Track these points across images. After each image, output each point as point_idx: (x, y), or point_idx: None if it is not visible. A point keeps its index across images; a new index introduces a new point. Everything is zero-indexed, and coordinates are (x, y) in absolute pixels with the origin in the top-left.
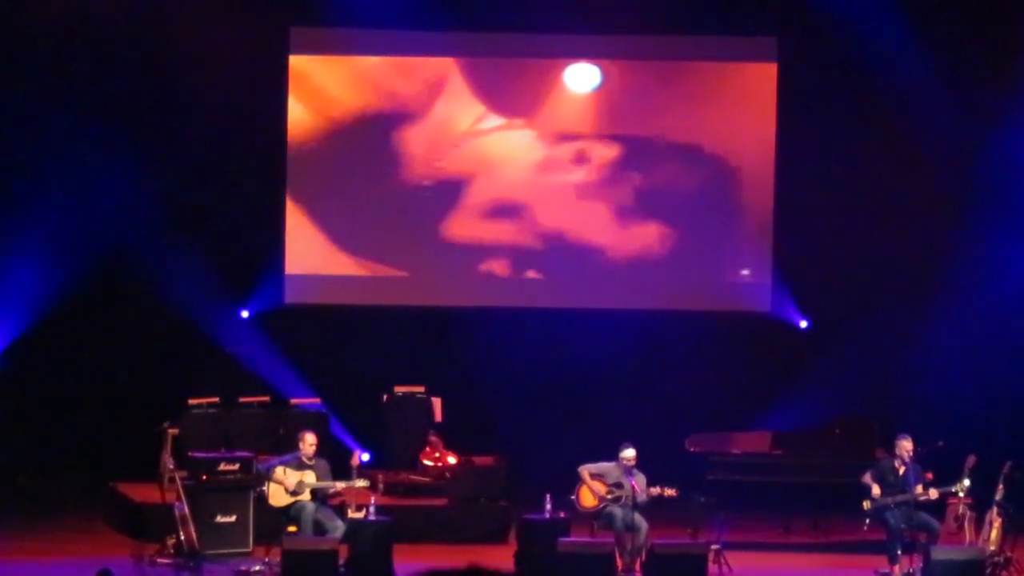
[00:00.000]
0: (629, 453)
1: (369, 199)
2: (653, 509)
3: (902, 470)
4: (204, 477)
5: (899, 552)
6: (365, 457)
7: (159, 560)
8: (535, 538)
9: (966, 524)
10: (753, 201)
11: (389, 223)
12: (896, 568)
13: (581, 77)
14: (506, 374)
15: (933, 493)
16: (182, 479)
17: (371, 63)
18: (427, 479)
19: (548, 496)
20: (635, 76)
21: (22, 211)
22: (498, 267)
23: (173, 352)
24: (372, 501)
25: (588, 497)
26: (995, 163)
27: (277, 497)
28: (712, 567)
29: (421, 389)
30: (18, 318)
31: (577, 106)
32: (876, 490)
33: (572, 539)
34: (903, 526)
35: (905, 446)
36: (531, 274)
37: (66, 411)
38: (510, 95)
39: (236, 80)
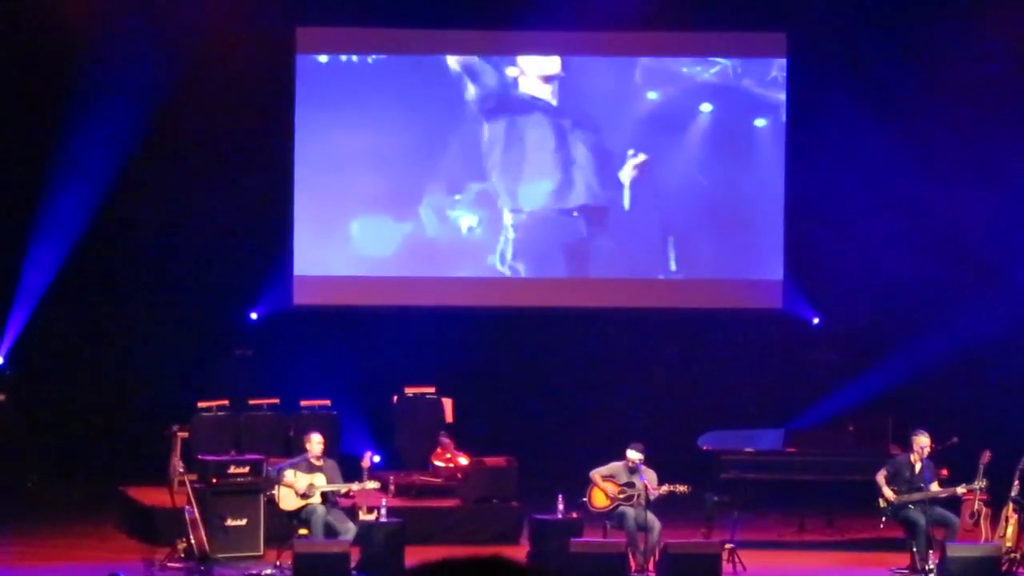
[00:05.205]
0: (635, 455)
1: (378, 199)
2: (666, 508)
3: (918, 466)
4: (214, 480)
5: (921, 548)
6: (376, 459)
7: (169, 564)
8: (547, 538)
9: (982, 520)
10: (764, 198)
11: (398, 223)
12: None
13: (589, 72)
14: (517, 374)
15: (960, 490)
16: (192, 482)
17: (378, 62)
18: (438, 480)
19: (560, 496)
20: (644, 72)
21: (29, 212)
22: (509, 267)
23: (182, 355)
24: (383, 503)
25: (600, 498)
26: (1009, 158)
27: (287, 501)
28: (726, 566)
29: (432, 390)
30: (25, 321)
31: (584, 101)
32: (890, 494)
33: (584, 539)
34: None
35: (922, 442)
36: (542, 274)
37: (76, 415)
38: (518, 91)
39: (244, 80)
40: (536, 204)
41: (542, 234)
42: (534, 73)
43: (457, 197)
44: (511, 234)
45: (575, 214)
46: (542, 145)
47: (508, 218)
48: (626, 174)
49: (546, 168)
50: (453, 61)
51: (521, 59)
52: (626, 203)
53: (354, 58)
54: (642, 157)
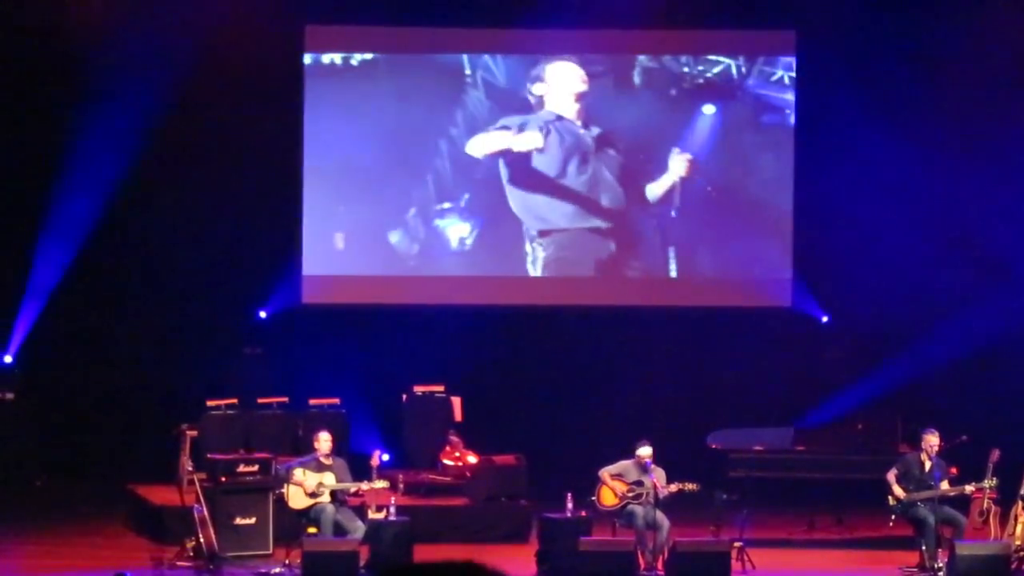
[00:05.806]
0: (645, 451)
1: (386, 198)
2: (675, 506)
3: (928, 465)
4: (223, 479)
5: (930, 547)
6: (385, 457)
7: (179, 563)
8: (556, 537)
9: (991, 519)
10: (773, 195)
11: (406, 223)
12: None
13: (599, 71)
14: (526, 372)
15: (969, 488)
16: (201, 481)
17: (387, 61)
18: (447, 479)
19: (569, 495)
20: (652, 71)
21: (39, 211)
22: (516, 266)
23: (191, 353)
24: (392, 501)
25: (609, 496)
26: (1018, 156)
27: (296, 499)
28: (735, 564)
29: (440, 388)
30: (34, 319)
31: (593, 101)
32: (900, 492)
33: (593, 538)
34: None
35: (931, 440)
36: (550, 272)
37: (84, 414)
38: (524, 91)
39: (253, 78)
40: (546, 210)
41: (552, 239)
42: (565, 91)
43: (447, 205)
44: (526, 241)
45: (585, 217)
46: (566, 157)
47: (526, 226)
48: (673, 171)
49: (561, 173)
50: (460, 58)
51: (549, 75)
52: (634, 201)
53: (366, 56)
54: (688, 155)
